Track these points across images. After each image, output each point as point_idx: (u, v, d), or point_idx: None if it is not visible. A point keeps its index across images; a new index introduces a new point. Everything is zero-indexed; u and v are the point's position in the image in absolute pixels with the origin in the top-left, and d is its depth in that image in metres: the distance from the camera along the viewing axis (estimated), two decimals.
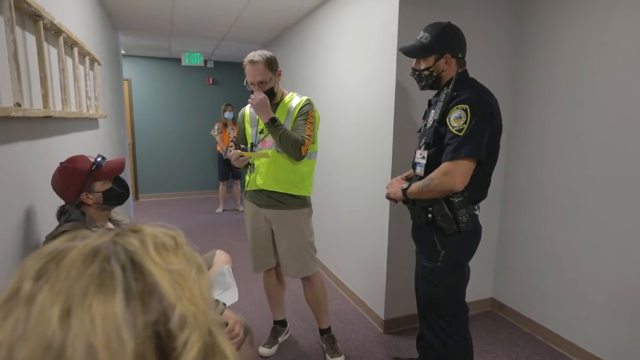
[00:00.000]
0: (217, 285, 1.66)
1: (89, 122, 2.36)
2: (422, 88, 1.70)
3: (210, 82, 6.63)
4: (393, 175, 2.26)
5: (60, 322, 0.31)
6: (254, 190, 2.07)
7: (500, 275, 2.75)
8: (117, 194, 1.42)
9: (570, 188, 2.22)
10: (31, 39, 1.38)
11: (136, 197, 6.41)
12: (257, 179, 2.03)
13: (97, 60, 2.49)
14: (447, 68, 1.61)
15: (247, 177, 2.12)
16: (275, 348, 2.31)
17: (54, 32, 1.61)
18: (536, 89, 2.40)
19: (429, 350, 1.78)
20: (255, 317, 2.65)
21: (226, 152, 5.08)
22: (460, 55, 1.62)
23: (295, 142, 1.88)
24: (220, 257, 1.78)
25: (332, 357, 2.20)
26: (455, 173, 1.48)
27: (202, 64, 5.83)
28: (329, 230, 3.29)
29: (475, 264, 1.83)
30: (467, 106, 1.48)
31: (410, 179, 1.79)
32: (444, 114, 1.55)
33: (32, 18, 1.37)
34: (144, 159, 6.41)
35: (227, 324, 1.38)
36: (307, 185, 2.07)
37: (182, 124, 6.56)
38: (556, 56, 2.26)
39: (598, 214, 2.08)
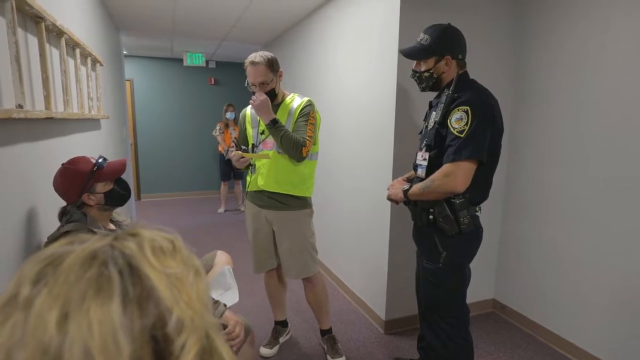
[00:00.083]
0: (217, 286, 1.67)
1: (90, 123, 2.37)
2: (423, 90, 1.70)
3: (212, 82, 6.64)
4: (394, 177, 2.27)
5: (57, 326, 0.31)
6: (255, 191, 2.08)
7: (501, 277, 2.75)
8: (119, 195, 1.42)
9: (571, 189, 2.22)
10: (33, 40, 1.39)
11: (138, 197, 6.43)
12: (258, 180, 2.03)
13: (99, 61, 2.50)
14: (448, 70, 1.61)
15: (248, 178, 2.12)
16: (276, 348, 2.32)
17: (55, 33, 1.62)
18: (537, 91, 2.40)
19: (430, 352, 1.78)
20: (257, 318, 2.65)
21: (227, 152, 5.09)
22: (460, 56, 1.62)
23: (296, 144, 1.88)
24: (221, 258, 1.78)
25: (333, 357, 2.20)
26: (456, 175, 1.48)
27: (204, 64, 5.84)
28: (330, 231, 3.29)
29: (476, 265, 1.83)
30: (468, 108, 1.48)
31: (411, 180, 1.79)
32: (445, 115, 1.55)
33: (34, 20, 1.37)
34: (146, 159, 6.42)
35: (227, 325, 1.38)
36: (308, 186, 2.08)
37: (184, 124, 6.57)
38: (557, 57, 2.26)
39: (599, 215, 2.07)
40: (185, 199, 6.58)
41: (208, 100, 6.64)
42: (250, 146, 2.08)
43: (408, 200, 1.67)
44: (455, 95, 1.55)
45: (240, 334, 1.39)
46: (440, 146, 1.58)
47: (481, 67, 2.26)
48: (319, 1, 3.24)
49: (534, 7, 2.39)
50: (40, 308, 0.32)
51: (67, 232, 1.26)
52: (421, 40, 1.63)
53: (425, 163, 1.64)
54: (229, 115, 5.36)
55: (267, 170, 2.00)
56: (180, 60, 6.06)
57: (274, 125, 1.88)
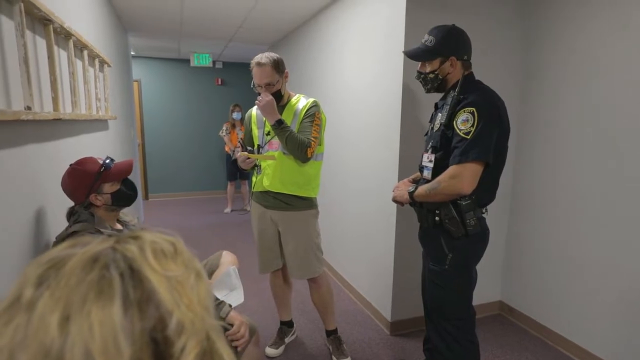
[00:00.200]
0: (223, 286, 1.67)
1: (98, 124, 2.40)
2: (428, 91, 1.69)
3: (219, 82, 6.68)
4: (400, 178, 2.26)
5: (59, 328, 0.31)
6: (260, 191, 2.08)
7: (508, 279, 2.73)
8: (126, 196, 1.44)
9: (578, 190, 2.19)
10: (41, 42, 1.41)
11: (146, 197, 6.48)
12: (264, 181, 2.04)
13: (106, 62, 2.53)
14: (453, 71, 1.60)
15: (254, 179, 2.13)
16: (282, 349, 2.32)
17: (63, 35, 1.64)
18: (545, 92, 2.38)
19: (436, 354, 1.77)
20: (262, 318, 2.66)
21: (234, 152, 5.11)
22: (465, 57, 1.61)
23: (301, 144, 1.88)
24: (227, 258, 1.79)
25: (338, 358, 2.20)
26: (463, 176, 1.47)
27: (211, 65, 5.87)
28: (336, 232, 3.29)
29: (483, 267, 1.81)
30: (474, 109, 1.47)
31: (417, 182, 1.78)
32: (451, 117, 1.54)
33: (42, 22, 1.39)
34: (153, 159, 6.48)
35: (232, 325, 1.39)
36: (314, 186, 2.08)
37: (190, 125, 6.61)
38: (566, 58, 2.23)
39: (607, 216, 2.05)
40: (192, 199, 6.62)
41: (215, 100, 6.67)
42: (255, 147, 2.08)
43: (414, 202, 1.66)
44: (461, 96, 1.54)
45: (245, 334, 1.40)
46: (446, 148, 1.56)
47: (487, 68, 2.24)
48: (325, 2, 3.24)
49: (542, 8, 2.36)
50: (42, 310, 0.32)
51: (74, 232, 1.27)
52: (426, 41, 1.62)
53: (431, 165, 1.63)
54: (236, 115, 5.38)
55: (272, 171, 2.00)
56: (188, 61, 6.10)
57: (279, 126, 1.89)
